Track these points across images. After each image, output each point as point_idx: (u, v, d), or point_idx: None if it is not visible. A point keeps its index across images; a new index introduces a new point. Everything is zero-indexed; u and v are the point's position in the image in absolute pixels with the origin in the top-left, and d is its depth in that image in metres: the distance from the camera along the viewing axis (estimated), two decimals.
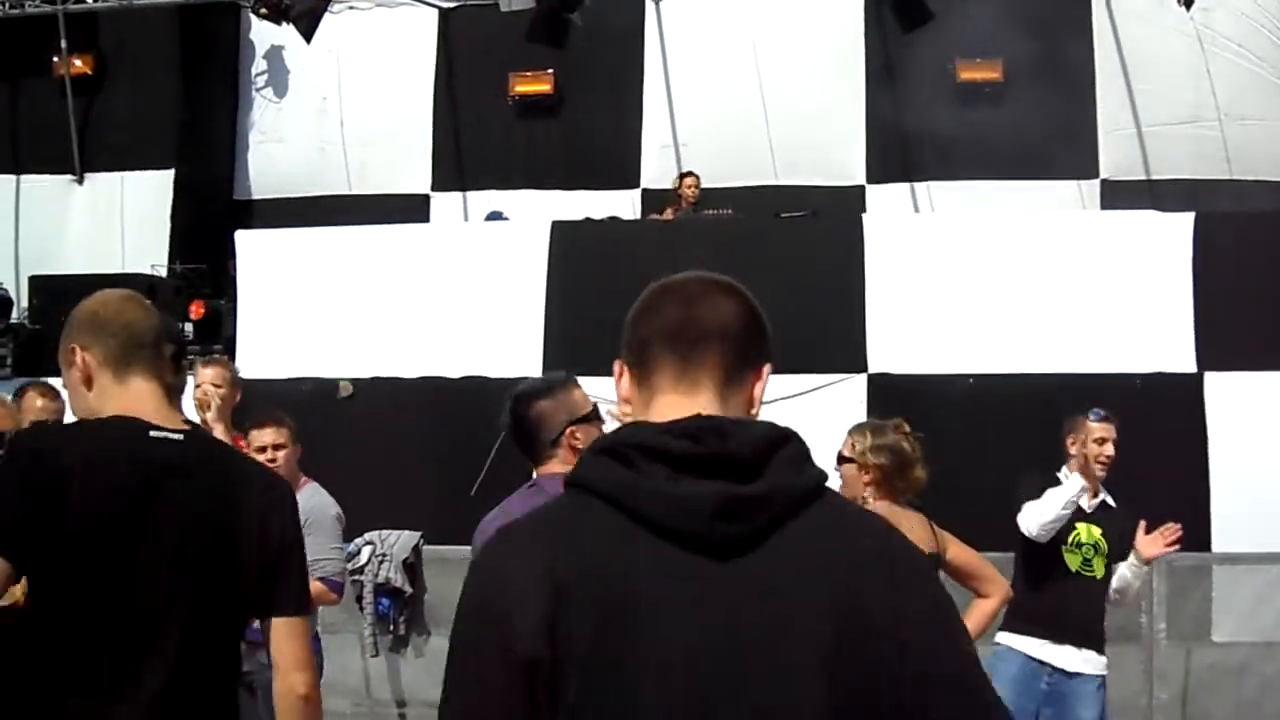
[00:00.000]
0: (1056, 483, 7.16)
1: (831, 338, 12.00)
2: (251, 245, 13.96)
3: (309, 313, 13.08)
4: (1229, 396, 11.62)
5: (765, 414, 2.29)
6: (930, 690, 2.03)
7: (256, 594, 3.36)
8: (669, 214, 15.13)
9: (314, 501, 6.80)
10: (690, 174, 15.35)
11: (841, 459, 6.12)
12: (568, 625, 1.96)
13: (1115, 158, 16.23)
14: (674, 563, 2.00)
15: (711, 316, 2.24)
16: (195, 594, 3.23)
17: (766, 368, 2.27)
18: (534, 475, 5.25)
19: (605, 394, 10.50)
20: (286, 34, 16.96)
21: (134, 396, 3.38)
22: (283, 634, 3.41)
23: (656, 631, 1.97)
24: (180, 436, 3.36)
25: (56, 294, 13.91)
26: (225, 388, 6.68)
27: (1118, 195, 15.94)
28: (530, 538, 2.11)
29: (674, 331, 2.24)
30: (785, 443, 2.12)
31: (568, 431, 5.06)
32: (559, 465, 5.08)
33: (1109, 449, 7.19)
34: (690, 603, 1.99)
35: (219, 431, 6.21)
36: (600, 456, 2.12)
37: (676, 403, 2.17)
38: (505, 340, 12.62)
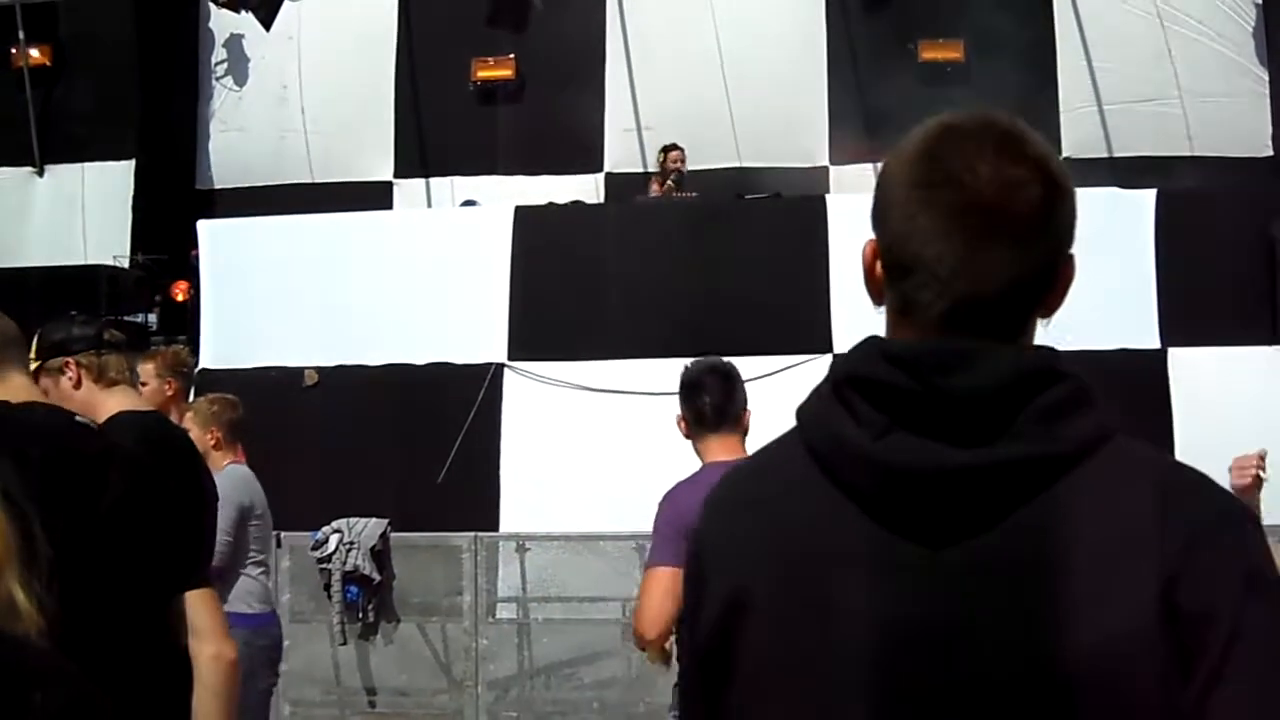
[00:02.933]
0: None
1: (797, 319, 12.02)
2: (213, 234, 13.90)
3: (272, 301, 13.04)
4: (1193, 372, 11.68)
5: None
6: None
7: (165, 572, 3.34)
8: (656, 188, 14.95)
9: (221, 483, 6.83)
10: (674, 147, 15.06)
11: None
12: (748, 608, 1.70)
13: (1077, 135, 16.26)
14: (877, 542, 1.62)
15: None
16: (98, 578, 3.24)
17: (1069, 267, 1.77)
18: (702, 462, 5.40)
19: (568, 377, 10.52)
20: (245, 22, 16.85)
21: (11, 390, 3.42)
22: (205, 605, 3.50)
23: (843, 630, 1.62)
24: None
25: (19, 287, 13.81)
26: (151, 381, 6.74)
27: (1080, 173, 15.96)
28: (736, 498, 1.84)
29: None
30: (1045, 384, 1.62)
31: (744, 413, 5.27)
32: (724, 451, 5.22)
33: None
34: (890, 597, 1.61)
35: None
36: (824, 389, 1.73)
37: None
38: (470, 326, 12.60)
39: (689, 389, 5.27)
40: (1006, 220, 1.66)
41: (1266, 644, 1.53)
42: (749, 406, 5.28)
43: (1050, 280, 1.73)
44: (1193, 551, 1.54)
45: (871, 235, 1.77)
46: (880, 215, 1.75)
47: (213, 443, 7.05)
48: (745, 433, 5.34)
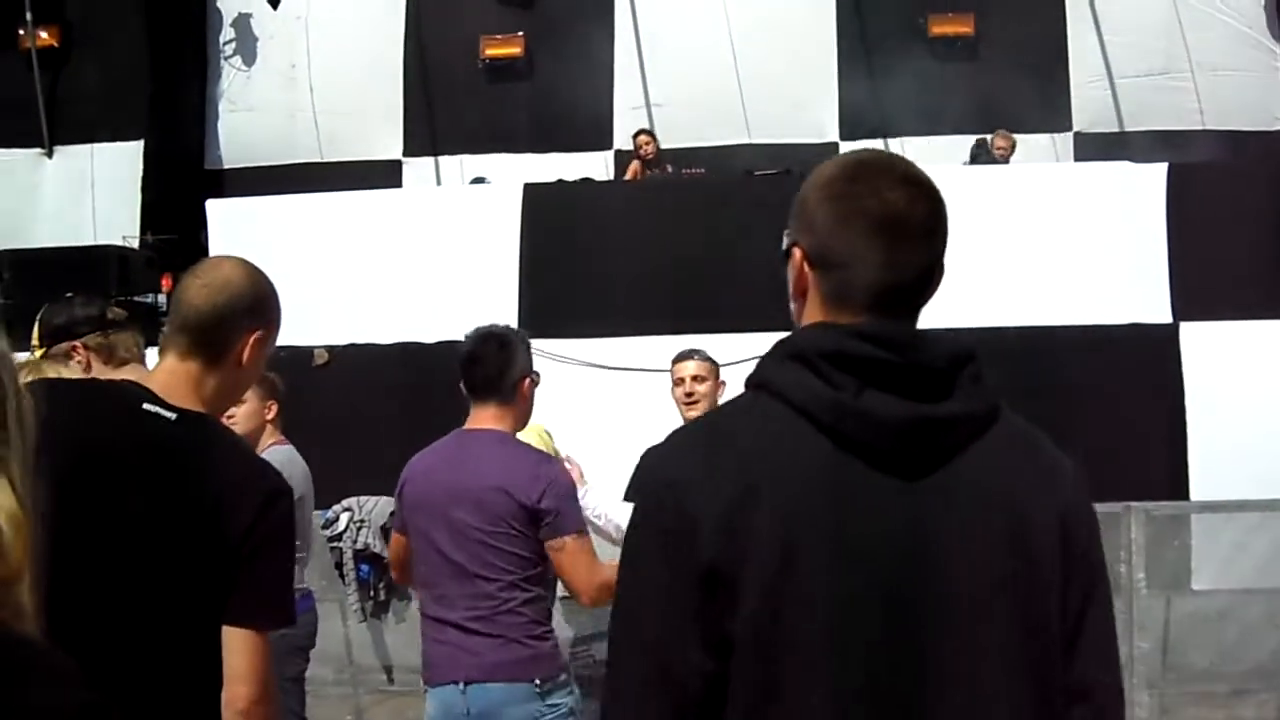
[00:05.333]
0: None
1: None
2: (223, 214, 13.87)
3: (282, 281, 12.71)
4: (1205, 346, 11.64)
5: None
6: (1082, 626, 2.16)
7: (210, 593, 3.10)
8: (633, 172, 15.15)
9: None
10: (643, 131, 15.45)
11: None
12: (751, 531, 2.02)
13: (1088, 110, 16.21)
14: (859, 475, 2.05)
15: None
16: (144, 578, 3.04)
17: (942, 267, 2.23)
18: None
19: (579, 355, 10.43)
20: (254, 2, 16.86)
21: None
22: (233, 644, 3.12)
23: (841, 542, 2.03)
24: (173, 415, 3.17)
25: (28, 268, 13.80)
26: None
27: (1091, 147, 15.93)
28: (712, 441, 2.17)
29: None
30: (970, 360, 2.15)
31: (525, 381, 5.12)
32: (494, 421, 5.14)
33: (687, 387, 6.97)
34: (875, 514, 2.05)
35: None
36: (788, 362, 2.15)
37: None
38: (480, 304, 12.56)
39: (464, 360, 5.26)
40: (912, 226, 2.17)
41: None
42: (533, 373, 5.27)
43: (937, 274, 2.22)
44: (1077, 497, 2.20)
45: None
46: (808, 225, 2.24)
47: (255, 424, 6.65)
48: (527, 401, 5.30)
